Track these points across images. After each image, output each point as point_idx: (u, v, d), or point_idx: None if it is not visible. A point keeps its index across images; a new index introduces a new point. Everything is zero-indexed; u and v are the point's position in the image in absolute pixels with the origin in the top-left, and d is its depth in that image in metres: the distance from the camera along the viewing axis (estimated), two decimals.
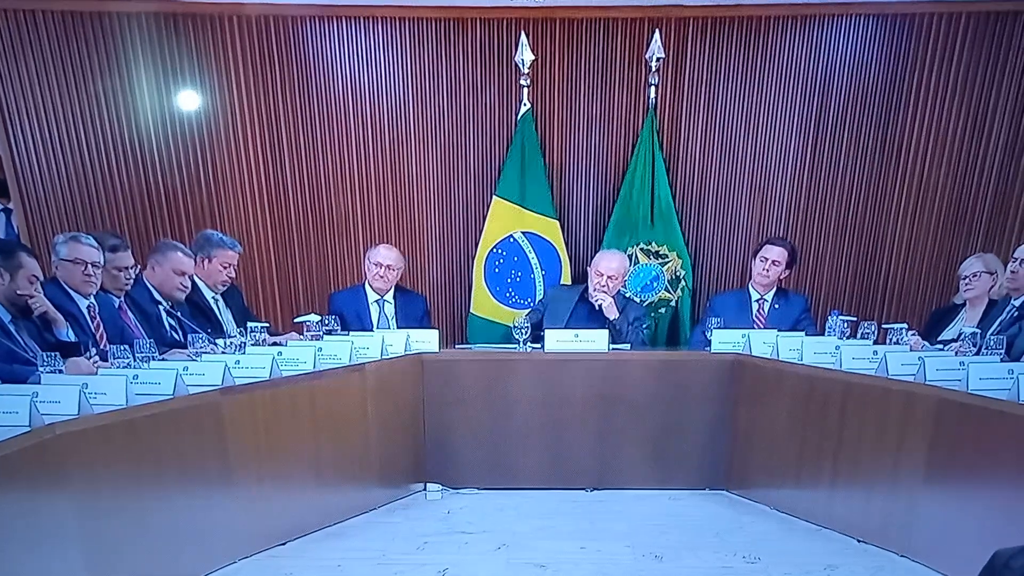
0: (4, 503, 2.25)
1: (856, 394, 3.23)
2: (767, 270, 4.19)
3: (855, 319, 3.76)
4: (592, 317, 4.18)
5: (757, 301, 4.27)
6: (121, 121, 4.60)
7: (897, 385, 3.08)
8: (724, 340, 3.83)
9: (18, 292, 3.16)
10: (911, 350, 3.39)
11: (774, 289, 4.27)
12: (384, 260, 4.25)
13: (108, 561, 2.56)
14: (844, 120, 4.76)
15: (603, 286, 4.17)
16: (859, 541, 3.18)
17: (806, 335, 3.72)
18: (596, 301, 4.17)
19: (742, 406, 3.74)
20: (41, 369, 2.77)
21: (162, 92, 4.60)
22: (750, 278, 4.33)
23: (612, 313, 4.15)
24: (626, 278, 4.35)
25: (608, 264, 4.19)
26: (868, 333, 3.56)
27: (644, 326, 4.30)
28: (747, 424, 3.72)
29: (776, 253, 4.19)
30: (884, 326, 3.69)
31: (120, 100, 4.57)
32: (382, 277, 4.25)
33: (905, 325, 3.61)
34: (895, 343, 3.46)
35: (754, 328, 4.05)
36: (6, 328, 3.10)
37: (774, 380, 3.59)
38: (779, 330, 3.81)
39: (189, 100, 4.63)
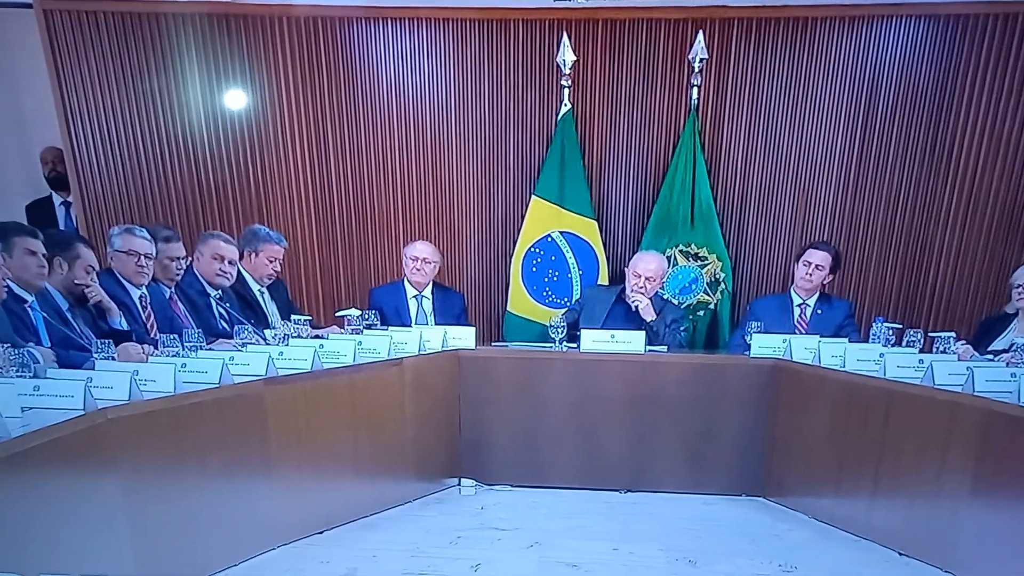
0: (58, 483, 2.35)
1: (900, 403, 3.16)
2: (810, 274, 4.13)
3: (900, 326, 3.69)
4: (629, 318, 4.16)
5: (799, 306, 4.21)
6: (174, 119, 4.73)
7: (943, 395, 3.01)
8: (764, 345, 3.77)
9: (75, 282, 3.29)
10: (959, 360, 3.31)
11: (817, 294, 4.21)
12: (420, 254, 4.31)
13: (152, 543, 2.65)
14: (892, 122, 4.67)
15: (640, 287, 4.15)
16: (900, 554, 3.13)
17: (849, 342, 3.66)
18: (633, 302, 4.16)
19: (781, 412, 3.68)
20: (95, 356, 2.87)
21: (213, 91, 4.72)
22: (792, 282, 4.27)
23: (649, 315, 4.13)
24: (664, 280, 4.32)
25: (646, 265, 4.17)
26: (914, 341, 3.47)
27: (682, 329, 4.27)
28: (786, 430, 3.67)
29: (820, 257, 4.12)
30: (931, 334, 3.59)
31: (173, 98, 4.70)
32: (419, 270, 4.30)
33: (953, 334, 3.52)
34: (942, 352, 3.38)
35: (795, 333, 3.99)
36: (64, 315, 3.23)
37: (815, 386, 3.53)
38: (821, 336, 3.74)
39: (239, 99, 4.75)
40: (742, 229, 4.93)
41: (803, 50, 4.64)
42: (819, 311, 4.19)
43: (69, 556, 2.32)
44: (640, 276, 4.15)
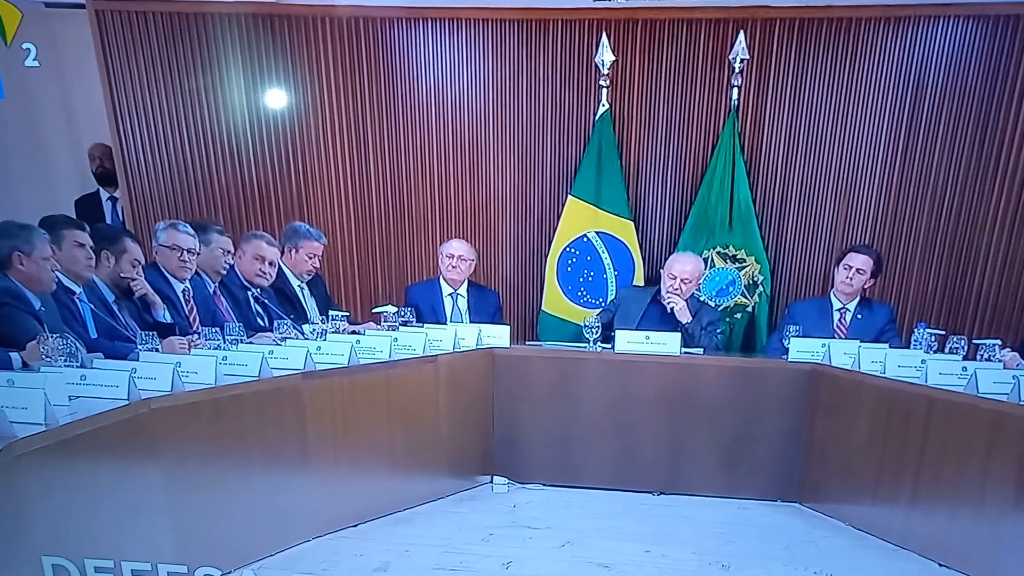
0: (102, 470, 2.42)
1: (941, 411, 3.10)
2: (850, 278, 4.07)
3: (943, 333, 3.62)
4: (664, 320, 4.14)
5: (839, 310, 4.15)
6: (218, 117, 4.82)
7: (986, 404, 2.94)
8: (802, 349, 3.72)
9: (121, 275, 3.38)
10: (1004, 368, 3.24)
11: (857, 298, 4.14)
12: (456, 251, 4.34)
13: (191, 530, 2.71)
14: (938, 123, 4.58)
15: (676, 289, 4.11)
16: (940, 565, 3.07)
17: (890, 347, 3.60)
18: (668, 304, 4.13)
19: (819, 417, 3.63)
20: (140, 347, 2.95)
21: (256, 90, 4.80)
22: (832, 286, 4.21)
23: (685, 317, 4.11)
24: (700, 282, 4.29)
25: (682, 267, 4.13)
26: (957, 348, 3.39)
27: (718, 331, 4.24)
28: (823, 436, 3.62)
29: (861, 261, 4.06)
30: (975, 341, 3.53)
31: (218, 97, 4.79)
32: (454, 267, 4.33)
33: (999, 341, 3.43)
34: (987, 360, 3.31)
35: (835, 338, 3.94)
36: (110, 307, 3.32)
37: (854, 392, 3.47)
38: (861, 341, 3.69)
39: (281, 98, 4.82)
40: (781, 231, 4.87)
41: (846, 51, 4.56)
42: (859, 316, 4.12)
43: (111, 541, 2.39)
44: (676, 278, 4.12)
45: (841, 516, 3.55)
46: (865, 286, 4.13)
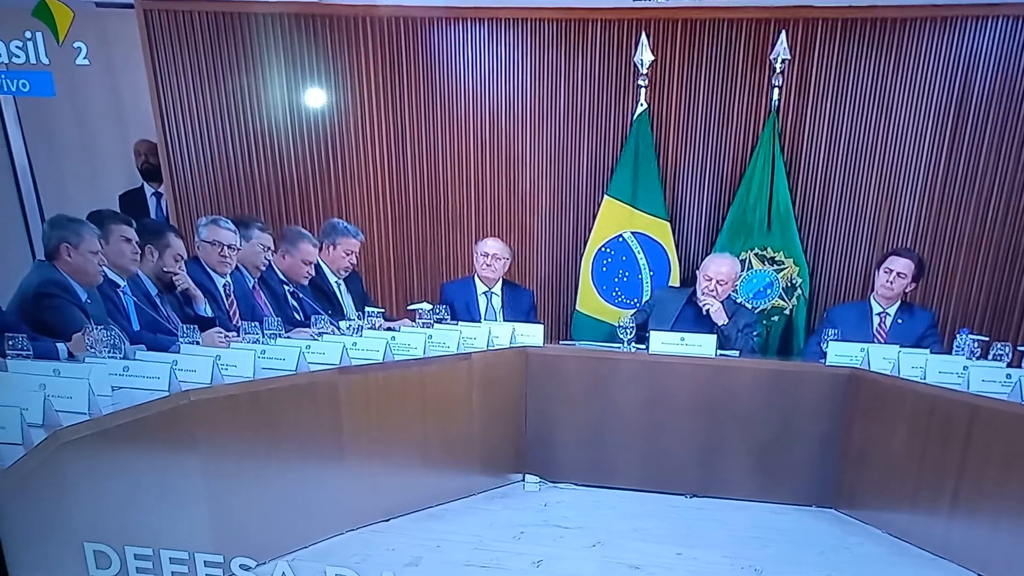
0: (142, 460, 2.48)
1: (983, 418, 3.04)
2: (891, 282, 4.00)
3: (987, 339, 3.54)
4: (699, 321, 4.10)
5: (879, 314, 4.09)
6: (260, 115, 4.89)
7: None
8: (841, 353, 3.67)
9: (164, 269, 3.46)
10: None
11: (898, 303, 4.07)
12: (491, 250, 4.35)
13: (228, 521, 2.76)
14: (984, 125, 4.47)
15: (711, 290, 4.07)
16: None
17: (931, 353, 3.52)
18: (704, 306, 4.09)
19: (856, 422, 3.58)
20: (181, 340, 3.01)
21: (297, 89, 4.86)
22: (872, 290, 4.14)
23: (720, 318, 4.07)
24: (736, 284, 4.25)
25: (717, 268, 4.09)
26: (1001, 355, 3.32)
27: (755, 334, 4.19)
28: (861, 441, 3.57)
29: (902, 265, 3.99)
30: (1020, 348, 3.45)
31: (260, 96, 4.86)
32: (489, 266, 4.34)
33: None
34: None
35: (874, 342, 3.87)
36: (153, 300, 3.40)
37: (893, 398, 3.41)
38: (901, 346, 3.61)
39: (321, 97, 4.88)
40: (821, 234, 4.80)
41: (890, 51, 4.48)
42: (900, 320, 4.05)
43: (150, 529, 2.44)
44: (711, 279, 4.08)
45: (878, 523, 3.50)
46: (906, 290, 4.05)
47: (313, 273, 4.06)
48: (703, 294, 4.10)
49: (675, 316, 4.19)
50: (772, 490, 3.75)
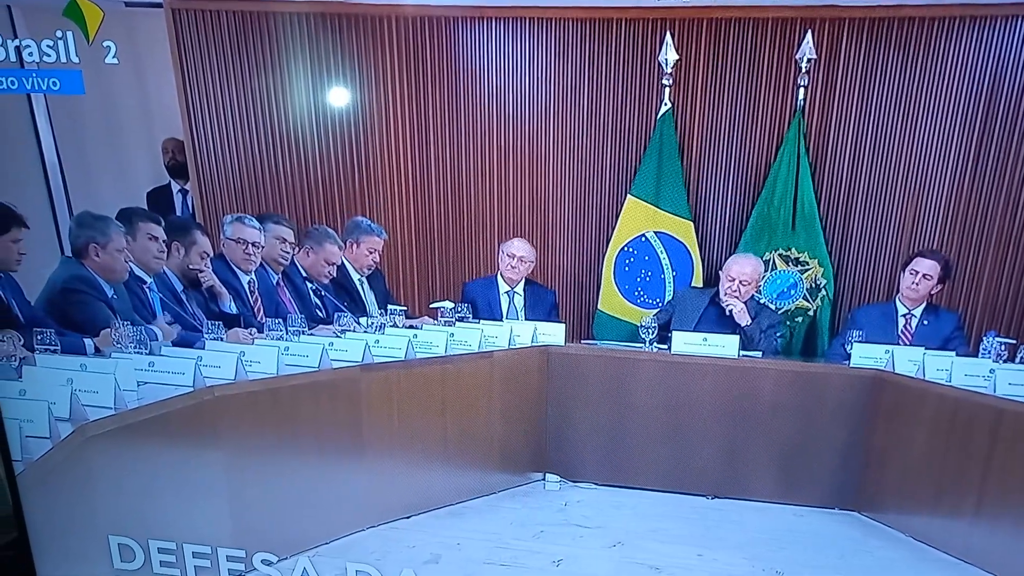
0: (167, 454, 2.51)
1: (1009, 422, 3.01)
2: (917, 284, 3.95)
3: (1014, 342, 3.47)
4: (722, 322, 4.07)
5: (904, 316, 4.04)
6: (285, 114, 4.92)
7: None
8: (865, 354, 3.63)
9: (190, 266, 3.50)
10: None
11: (924, 304, 4.02)
12: (517, 252, 4.35)
13: (250, 515, 2.79)
14: (1014, 126, 4.38)
15: (734, 291, 4.05)
16: None
17: (957, 355, 3.48)
18: (727, 306, 4.07)
19: (880, 424, 3.54)
20: (206, 336, 3.05)
21: (321, 87, 4.89)
22: (897, 291, 4.09)
23: (744, 319, 4.04)
24: (759, 284, 4.22)
25: (740, 268, 4.07)
26: None
27: (778, 335, 4.16)
28: (884, 444, 3.53)
29: (928, 266, 3.94)
30: None
31: (284, 94, 4.89)
32: (514, 268, 4.35)
33: None
34: None
35: (899, 344, 3.83)
36: (178, 297, 3.44)
37: (917, 400, 3.38)
38: (926, 348, 3.58)
39: (346, 96, 4.90)
40: (846, 234, 4.75)
41: (918, 51, 4.41)
42: (925, 322, 4.00)
43: (174, 523, 2.48)
44: (734, 279, 4.06)
45: (900, 526, 3.47)
46: (932, 292, 4.00)
47: (334, 273, 4.09)
48: (726, 295, 4.08)
49: (698, 317, 4.17)
50: (794, 492, 3.73)
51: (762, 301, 4.38)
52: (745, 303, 4.08)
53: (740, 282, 4.06)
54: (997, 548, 3.04)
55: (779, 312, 4.53)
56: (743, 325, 4.03)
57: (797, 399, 3.67)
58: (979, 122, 4.46)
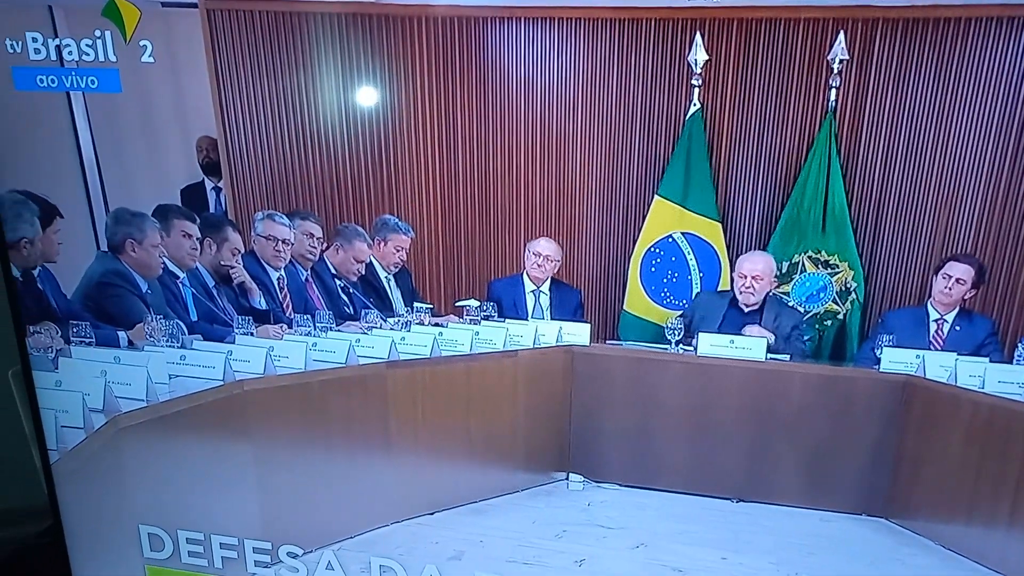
0: (196, 446, 2.56)
1: None
2: (949, 288, 3.90)
3: None
4: (743, 322, 4.07)
5: (936, 321, 3.98)
6: (316, 113, 4.98)
7: None
8: (895, 359, 3.59)
9: (222, 263, 3.56)
10: None
11: (956, 309, 3.96)
12: (544, 250, 4.36)
13: (277, 508, 2.83)
14: None
15: (748, 287, 4.07)
16: None
17: (990, 362, 3.42)
18: (745, 305, 4.08)
19: (910, 431, 3.49)
20: (236, 331, 3.10)
21: (351, 87, 4.93)
22: (930, 295, 4.04)
23: (768, 316, 4.06)
24: (774, 278, 4.20)
25: (752, 265, 4.09)
26: None
27: (805, 338, 4.13)
28: (915, 450, 3.48)
29: (961, 271, 3.88)
30: None
31: (315, 93, 4.94)
32: (540, 267, 4.35)
33: None
34: None
35: (930, 349, 3.79)
36: (210, 292, 3.50)
37: (949, 407, 3.33)
38: (959, 354, 3.52)
39: (375, 95, 4.94)
40: (877, 237, 4.68)
41: (953, 52, 4.34)
42: (958, 327, 3.94)
43: (203, 514, 2.52)
44: (746, 276, 4.08)
45: (931, 534, 3.41)
46: (965, 297, 3.94)
47: (363, 271, 4.13)
48: (741, 292, 4.09)
49: (720, 320, 4.15)
50: (821, 497, 3.68)
51: (790, 304, 4.34)
52: (765, 300, 4.08)
53: (753, 278, 4.07)
54: None
55: (807, 315, 4.48)
56: (767, 327, 4.00)
57: (825, 403, 3.64)
58: (1017, 124, 4.38)
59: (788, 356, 3.89)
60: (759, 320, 4.10)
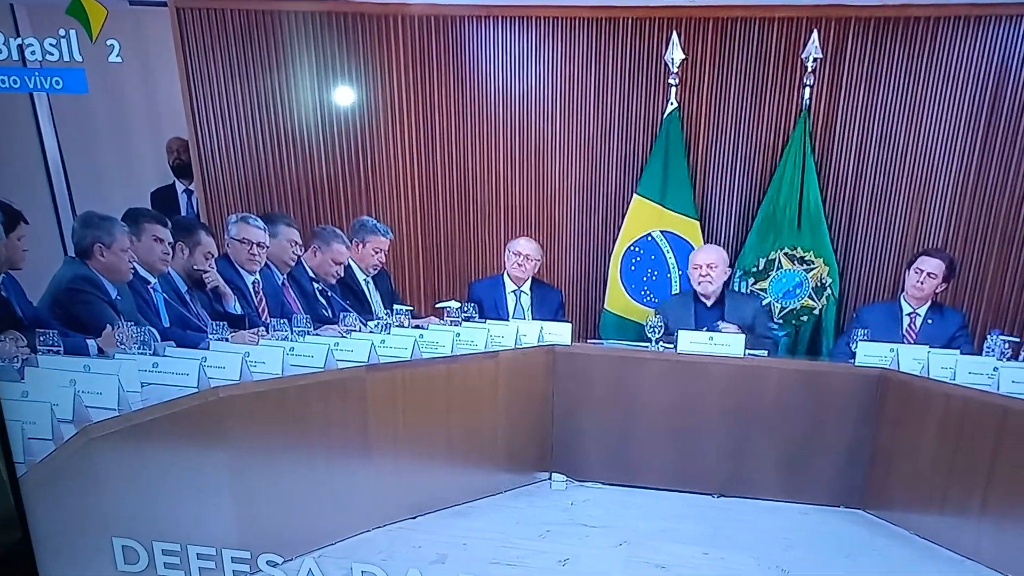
0: (171, 456, 2.51)
1: (1014, 421, 3.01)
2: (921, 283, 3.95)
3: (1018, 340, 3.48)
4: (709, 318, 4.15)
5: (908, 315, 4.03)
6: (290, 113, 4.91)
7: None
8: (870, 353, 3.63)
9: (195, 267, 3.49)
10: None
11: (928, 303, 4.01)
12: (523, 250, 4.35)
13: (255, 517, 2.79)
14: (1017, 125, 4.38)
15: (705, 276, 4.13)
16: None
17: (961, 354, 3.48)
18: (704, 296, 4.17)
19: (885, 423, 3.54)
20: (210, 337, 3.04)
21: (327, 87, 4.87)
22: (902, 290, 4.09)
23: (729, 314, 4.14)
24: (728, 266, 4.25)
25: (705, 256, 4.17)
26: None
27: (771, 324, 4.22)
28: (889, 442, 3.52)
29: (933, 265, 3.94)
30: None
31: (290, 93, 4.88)
32: (520, 266, 4.34)
33: None
34: None
35: (903, 343, 3.84)
36: (183, 297, 3.43)
37: (922, 399, 3.37)
38: (931, 347, 3.57)
39: (351, 95, 4.89)
40: (851, 233, 4.75)
41: (924, 50, 4.41)
42: (930, 321, 4.00)
43: (179, 524, 2.47)
44: (700, 265, 4.15)
45: (906, 525, 3.46)
46: (937, 291, 4.00)
47: (342, 273, 4.08)
48: (699, 283, 4.17)
49: (692, 318, 4.18)
50: (800, 490, 3.72)
51: (767, 301, 4.40)
52: (724, 295, 4.20)
53: (708, 265, 4.14)
54: (1005, 546, 3.03)
55: (764, 298, 4.55)
56: (726, 319, 4.10)
57: (803, 398, 3.67)
58: (984, 121, 4.46)
59: (759, 345, 3.92)
60: (722, 314, 4.15)
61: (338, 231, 4.13)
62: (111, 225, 3.09)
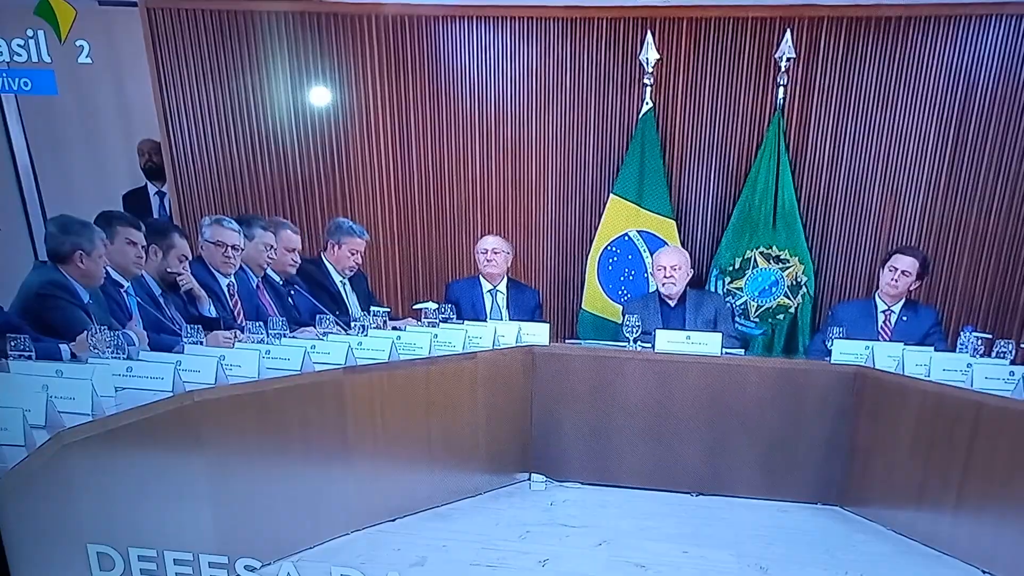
0: (147, 461, 2.47)
1: (988, 416, 3.04)
2: (895, 280, 3.99)
3: (990, 336, 3.51)
4: (677, 316, 4.21)
5: (883, 312, 4.08)
6: (264, 114, 4.88)
7: None
8: (846, 351, 3.66)
9: (168, 270, 3.45)
10: None
11: (902, 301, 4.06)
12: (489, 246, 4.35)
13: (233, 521, 2.75)
14: (988, 123, 4.46)
15: (669, 277, 4.17)
16: (984, 572, 3.02)
17: (935, 350, 3.51)
18: (668, 297, 4.21)
19: (861, 420, 3.57)
20: (185, 340, 3.00)
21: (301, 87, 4.85)
22: (877, 288, 4.13)
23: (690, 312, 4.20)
24: (690, 267, 4.28)
25: (669, 258, 4.20)
26: (1005, 352, 3.30)
27: (732, 319, 4.32)
28: (866, 439, 3.56)
29: (906, 263, 3.98)
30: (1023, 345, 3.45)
31: (264, 95, 4.84)
32: (490, 261, 4.34)
33: None
34: None
35: (879, 340, 3.87)
36: (156, 300, 3.39)
37: (897, 395, 3.41)
38: (906, 344, 3.61)
39: (326, 96, 4.86)
40: (826, 232, 4.80)
41: (895, 50, 4.47)
42: (904, 318, 4.05)
43: (154, 531, 2.43)
44: (665, 267, 4.18)
45: (883, 520, 3.50)
46: (911, 288, 4.04)
47: (298, 261, 4.06)
48: (663, 284, 4.20)
49: (659, 317, 4.20)
50: (778, 488, 3.75)
51: (743, 299, 4.43)
52: (685, 294, 4.24)
53: (671, 267, 4.17)
54: (980, 540, 3.07)
55: (725, 296, 4.63)
56: (688, 317, 4.16)
57: (779, 396, 3.69)
58: (955, 120, 4.53)
59: (725, 343, 3.93)
60: (684, 313, 4.20)
61: (284, 220, 4.14)
62: (91, 232, 3.04)
